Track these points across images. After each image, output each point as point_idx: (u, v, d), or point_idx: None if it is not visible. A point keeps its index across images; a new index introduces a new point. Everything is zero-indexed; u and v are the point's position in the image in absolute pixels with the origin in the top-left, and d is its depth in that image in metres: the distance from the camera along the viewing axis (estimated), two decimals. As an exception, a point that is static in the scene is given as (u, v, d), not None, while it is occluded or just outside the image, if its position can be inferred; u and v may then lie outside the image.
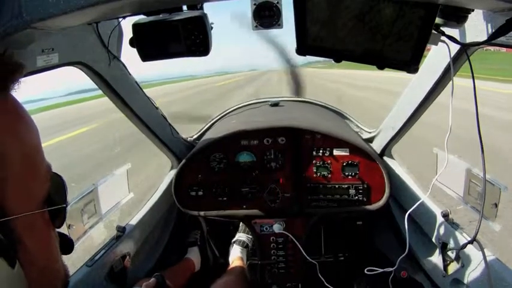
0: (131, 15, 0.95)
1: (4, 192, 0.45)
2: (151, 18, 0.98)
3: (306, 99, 2.51)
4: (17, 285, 0.47)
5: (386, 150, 1.88)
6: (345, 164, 1.73)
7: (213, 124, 2.33)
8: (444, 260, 1.41)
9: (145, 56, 1.03)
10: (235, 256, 1.81)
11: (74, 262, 1.30)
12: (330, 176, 1.76)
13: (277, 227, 1.82)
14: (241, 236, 1.92)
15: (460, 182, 1.33)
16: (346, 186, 1.74)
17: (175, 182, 1.76)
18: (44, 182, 0.51)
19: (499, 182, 1.13)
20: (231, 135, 1.74)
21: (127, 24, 1.09)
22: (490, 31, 0.91)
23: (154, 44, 1.00)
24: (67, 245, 0.59)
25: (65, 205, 0.56)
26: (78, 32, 1.17)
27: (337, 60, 0.88)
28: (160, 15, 0.98)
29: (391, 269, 1.47)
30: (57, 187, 0.55)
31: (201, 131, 2.31)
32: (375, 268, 1.48)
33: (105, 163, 6.03)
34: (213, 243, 2.15)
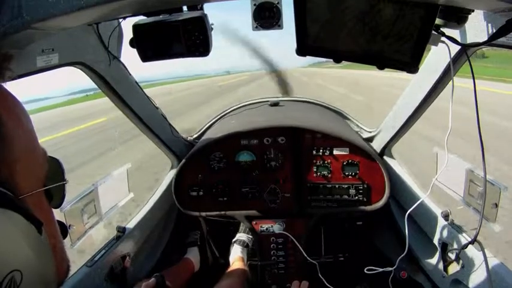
0: (131, 16, 0.95)
1: (14, 173, 0.49)
2: (152, 19, 0.98)
3: (306, 99, 2.51)
4: (45, 251, 0.52)
5: (386, 149, 1.88)
6: (345, 163, 1.73)
7: (213, 124, 2.33)
8: (444, 261, 1.41)
9: (146, 57, 1.03)
10: (236, 256, 1.81)
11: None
12: (330, 175, 1.76)
13: (277, 227, 1.82)
14: (241, 236, 1.92)
15: (460, 182, 1.32)
16: (346, 186, 1.74)
17: (176, 182, 1.76)
18: (43, 163, 0.56)
19: (499, 182, 1.13)
20: (231, 134, 1.74)
21: (127, 25, 1.09)
22: (490, 31, 0.91)
23: (154, 44, 1.01)
24: (62, 229, 0.63)
25: (64, 182, 0.62)
26: (78, 33, 1.16)
27: (337, 60, 0.88)
28: (161, 16, 0.98)
29: (390, 269, 1.47)
30: (54, 169, 0.61)
31: (201, 131, 2.31)
32: (374, 268, 1.48)
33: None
34: (213, 243, 2.15)
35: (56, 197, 0.60)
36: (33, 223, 0.48)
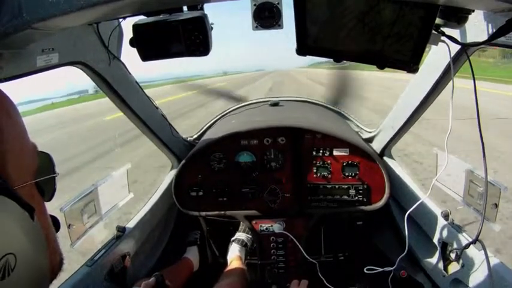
0: (131, 16, 0.95)
1: (6, 164, 0.50)
2: (152, 18, 0.98)
3: (306, 99, 2.51)
4: (38, 236, 0.52)
5: (386, 150, 1.88)
6: (345, 164, 1.73)
7: (213, 124, 2.33)
8: (444, 260, 1.41)
9: (146, 56, 1.03)
10: (234, 255, 1.81)
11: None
12: (330, 176, 1.76)
13: (277, 227, 1.82)
14: (240, 235, 1.92)
15: (460, 183, 1.32)
16: (346, 186, 1.74)
17: (176, 183, 1.76)
18: (33, 157, 0.58)
19: (499, 182, 1.13)
20: (231, 135, 1.75)
21: (127, 24, 1.09)
22: (490, 31, 0.91)
23: (154, 44, 1.00)
24: (54, 223, 0.64)
25: (55, 175, 0.63)
26: (78, 32, 1.17)
27: (337, 60, 0.88)
28: (161, 16, 0.98)
29: (390, 269, 1.47)
30: (45, 162, 0.62)
31: (201, 131, 2.31)
32: (374, 267, 1.48)
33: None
34: (213, 243, 2.15)
35: (48, 190, 0.61)
36: (25, 209, 0.49)
